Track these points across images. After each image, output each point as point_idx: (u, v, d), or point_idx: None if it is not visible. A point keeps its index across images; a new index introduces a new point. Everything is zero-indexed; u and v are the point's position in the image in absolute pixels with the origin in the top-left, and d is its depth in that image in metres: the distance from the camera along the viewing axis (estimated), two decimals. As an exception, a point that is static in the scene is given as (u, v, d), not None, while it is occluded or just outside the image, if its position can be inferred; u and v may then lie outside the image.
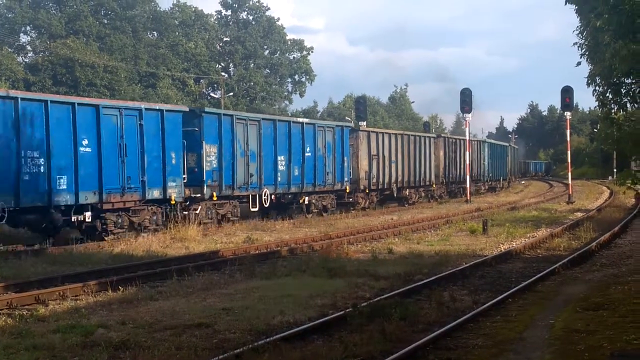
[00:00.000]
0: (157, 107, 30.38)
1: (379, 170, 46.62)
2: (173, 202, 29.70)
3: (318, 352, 11.75)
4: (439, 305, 15.39)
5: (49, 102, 25.51)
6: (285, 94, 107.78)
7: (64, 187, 25.47)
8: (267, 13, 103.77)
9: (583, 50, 17.62)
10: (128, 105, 29.30)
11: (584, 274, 20.16)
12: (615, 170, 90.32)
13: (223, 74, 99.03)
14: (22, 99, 24.82)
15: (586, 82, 17.24)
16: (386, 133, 49.58)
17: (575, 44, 17.66)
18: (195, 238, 27.41)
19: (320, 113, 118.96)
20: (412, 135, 53.86)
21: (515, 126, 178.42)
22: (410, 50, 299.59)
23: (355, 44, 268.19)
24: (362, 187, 44.83)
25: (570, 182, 56.17)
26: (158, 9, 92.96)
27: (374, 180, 46.11)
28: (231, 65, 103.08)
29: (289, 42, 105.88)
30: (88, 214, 26.38)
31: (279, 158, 36.33)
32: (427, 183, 54.36)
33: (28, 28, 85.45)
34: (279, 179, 36.37)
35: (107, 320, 14.15)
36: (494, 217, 36.97)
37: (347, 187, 42.30)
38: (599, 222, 34.22)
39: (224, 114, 33.49)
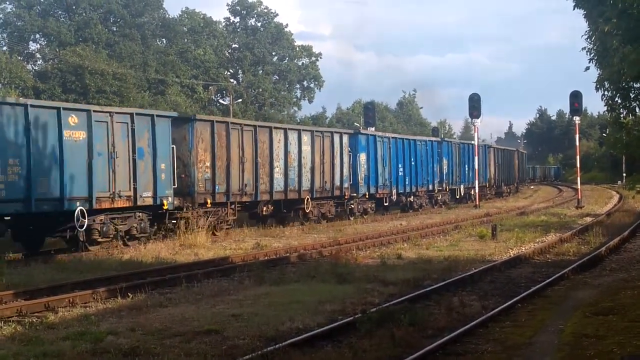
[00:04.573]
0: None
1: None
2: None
3: (327, 358, 11.76)
4: (448, 310, 15.37)
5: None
6: (294, 100, 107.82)
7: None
8: (275, 19, 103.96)
9: (592, 55, 17.65)
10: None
11: (593, 278, 20.11)
12: (624, 174, 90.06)
13: (232, 80, 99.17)
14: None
15: (595, 86, 17.26)
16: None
17: (583, 48, 17.71)
18: (204, 245, 27.44)
19: (329, 119, 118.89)
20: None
21: (524, 131, 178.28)
22: (417, 56, 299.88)
23: (363, 50, 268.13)
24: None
25: (579, 186, 56.08)
26: (167, 16, 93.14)
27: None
28: (240, 71, 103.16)
29: (297, 48, 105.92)
30: None
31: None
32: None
33: (37, 36, 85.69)
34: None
35: (116, 327, 14.16)
36: (503, 222, 36.91)
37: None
38: (609, 226, 34.15)
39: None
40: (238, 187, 33.19)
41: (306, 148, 38.30)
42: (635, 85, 17.16)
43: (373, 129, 54.08)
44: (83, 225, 25.06)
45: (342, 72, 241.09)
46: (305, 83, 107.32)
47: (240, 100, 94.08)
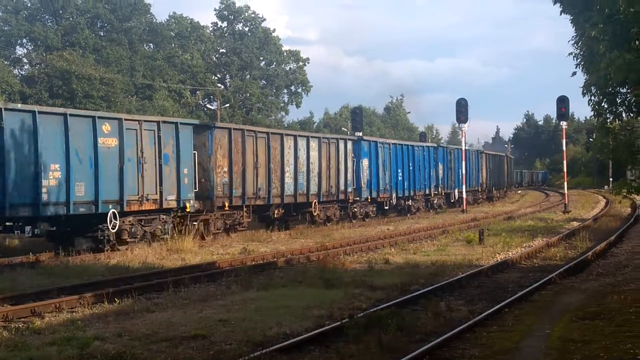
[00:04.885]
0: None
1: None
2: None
3: (314, 363, 11.75)
4: (435, 315, 15.38)
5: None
6: (282, 105, 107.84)
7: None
8: (263, 24, 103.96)
9: (578, 60, 17.68)
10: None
11: (580, 283, 20.16)
12: (611, 179, 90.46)
13: (219, 85, 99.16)
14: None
15: (582, 91, 17.29)
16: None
17: (570, 54, 17.73)
18: (191, 249, 27.37)
19: (316, 124, 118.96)
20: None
21: (512, 136, 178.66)
22: (407, 61, 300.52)
23: (351, 55, 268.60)
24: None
25: (566, 191, 56.24)
26: (154, 20, 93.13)
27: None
28: (227, 76, 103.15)
29: (284, 53, 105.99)
30: None
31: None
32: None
33: (24, 40, 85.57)
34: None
35: (103, 332, 14.12)
36: (490, 227, 37.00)
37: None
38: (595, 231, 34.26)
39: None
40: (253, 191, 34.64)
41: (314, 154, 39.64)
42: (621, 90, 17.20)
43: (360, 133, 54.35)
44: (115, 227, 26.73)
45: (330, 77, 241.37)
46: (292, 88, 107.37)
47: (227, 105, 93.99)
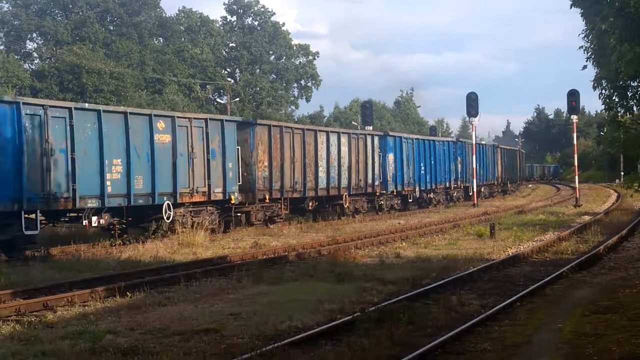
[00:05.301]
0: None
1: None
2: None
3: (326, 357, 11.77)
4: (447, 309, 15.38)
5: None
6: (292, 99, 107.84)
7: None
8: (272, 18, 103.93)
9: (589, 54, 17.64)
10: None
11: (592, 277, 20.12)
12: (622, 173, 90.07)
13: (229, 79, 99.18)
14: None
15: (592, 85, 17.26)
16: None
17: (581, 47, 17.69)
18: (202, 244, 27.41)
19: (326, 118, 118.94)
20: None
21: (522, 130, 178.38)
22: (414, 55, 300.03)
23: (359, 49, 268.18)
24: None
25: (577, 185, 56.10)
26: (164, 15, 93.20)
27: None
28: (237, 70, 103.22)
29: (294, 47, 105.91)
30: None
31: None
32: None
33: (34, 35, 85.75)
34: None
35: (115, 326, 14.16)
36: (501, 221, 36.93)
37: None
38: (607, 225, 34.19)
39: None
40: (290, 185, 36.72)
41: (344, 149, 41.65)
42: (632, 84, 17.16)
43: (371, 127, 55.60)
44: (170, 217, 28.75)
45: (339, 70, 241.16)
46: (302, 82, 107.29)
47: (237, 99, 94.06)
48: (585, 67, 17.75)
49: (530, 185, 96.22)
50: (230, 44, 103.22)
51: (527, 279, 19.93)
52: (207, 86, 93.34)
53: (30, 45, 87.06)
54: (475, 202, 54.65)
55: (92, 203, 25.91)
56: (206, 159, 30.78)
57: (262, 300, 16.84)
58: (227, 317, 14.86)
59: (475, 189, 56.17)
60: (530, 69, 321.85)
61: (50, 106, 25.18)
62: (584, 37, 17.84)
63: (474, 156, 57.08)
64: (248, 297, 17.29)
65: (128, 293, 17.56)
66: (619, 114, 18.26)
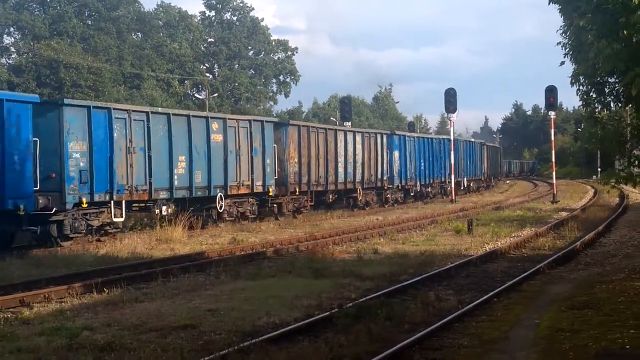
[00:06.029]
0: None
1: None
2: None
3: (304, 353, 11.75)
4: (424, 305, 15.39)
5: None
6: (270, 94, 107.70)
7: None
8: (251, 13, 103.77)
9: (567, 50, 17.67)
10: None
11: (568, 273, 20.19)
12: (599, 169, 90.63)
13: (207, 74, 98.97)
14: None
15: (570, 81, 17.29)
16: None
17: (559, 43, 17.71)
18: (180, 239, 27.37)
19: (305, 114, 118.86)
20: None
21: (500, 126, 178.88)
22: (391, 50, 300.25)
23: (338, 44, 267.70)
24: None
25: (554, 181, 56.34)
26: (142, 9, 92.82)
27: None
28: (216, 66, 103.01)
29: (273, 43, 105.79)
30: None
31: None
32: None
33: (12, 29, 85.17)
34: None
35: (92, 322, 14.10)
36: (478, 217, 37.01)
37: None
38: (584, 221, 34.32)
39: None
40: (315, 179, 41.06)
41: (358, 147, 46.04)
42: (609, 80, 17.18)
43: (349, 123, 56.35)
44: (222, 207, 32.76)
45: (318, 66, 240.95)
46: (281, 77, 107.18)
47: (216, 94, 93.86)
48: (563, 63, 17.78)
49: (507, 182, 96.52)
50: (209, 39, 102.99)
51: (505, 274, 19.99)
52: (186, 81, 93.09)
53: (7, 40, 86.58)
54: (453, 197, 54.92)
55: (164, 194, 29.89)
56: (250, 155, 34.91)
57: (240, 296, 16.82)
58: (204, 313, 14.83)
59: (453, 185, 56.50)
60: (509, 64, 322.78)
61: (133, 110, 29.31)
62: (562, 33, 17.88)
63: (452, 152, 57.24)
64: (226, 293, 17.26)
65: (105, 289, 17.47)
66: (597, 110, 18.28)
